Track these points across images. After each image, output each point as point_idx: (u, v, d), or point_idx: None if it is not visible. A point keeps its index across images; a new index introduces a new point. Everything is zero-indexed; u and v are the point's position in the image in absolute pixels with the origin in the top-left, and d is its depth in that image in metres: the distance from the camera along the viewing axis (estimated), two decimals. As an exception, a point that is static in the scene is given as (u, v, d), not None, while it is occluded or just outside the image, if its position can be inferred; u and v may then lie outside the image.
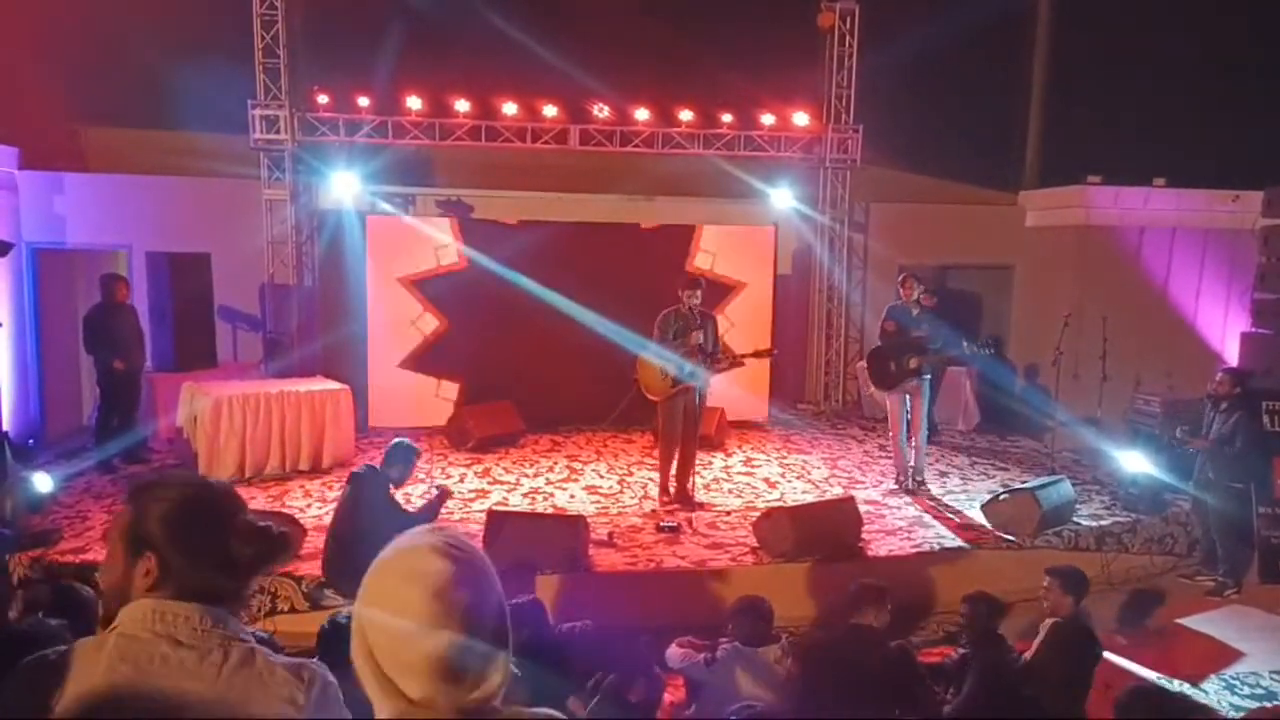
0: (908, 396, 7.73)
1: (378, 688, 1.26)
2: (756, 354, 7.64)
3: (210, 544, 1.51)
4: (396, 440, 5.51)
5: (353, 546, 5.15)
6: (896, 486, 7.96)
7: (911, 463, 7.94)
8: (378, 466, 5.38)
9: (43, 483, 6.58)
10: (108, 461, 8.02)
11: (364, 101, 9.95)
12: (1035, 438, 10.16)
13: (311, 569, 5.76)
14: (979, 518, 7.19)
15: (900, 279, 7.93)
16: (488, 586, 1.30)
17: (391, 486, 5.34)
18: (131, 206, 9.60)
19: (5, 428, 7.47)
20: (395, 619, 1.23)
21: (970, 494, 7.88)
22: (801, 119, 10.82)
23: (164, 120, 9.62)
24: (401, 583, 1.25)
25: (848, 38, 10.81)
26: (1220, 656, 5.85)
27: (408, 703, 1.24)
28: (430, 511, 5.45)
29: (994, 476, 8.54)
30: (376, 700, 1.27)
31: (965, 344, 7.73)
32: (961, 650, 4.79)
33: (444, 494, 5.54)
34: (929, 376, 7.77)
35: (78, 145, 10.07)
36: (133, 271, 9.64)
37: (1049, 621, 4.68)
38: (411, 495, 6.71)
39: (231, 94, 9.46)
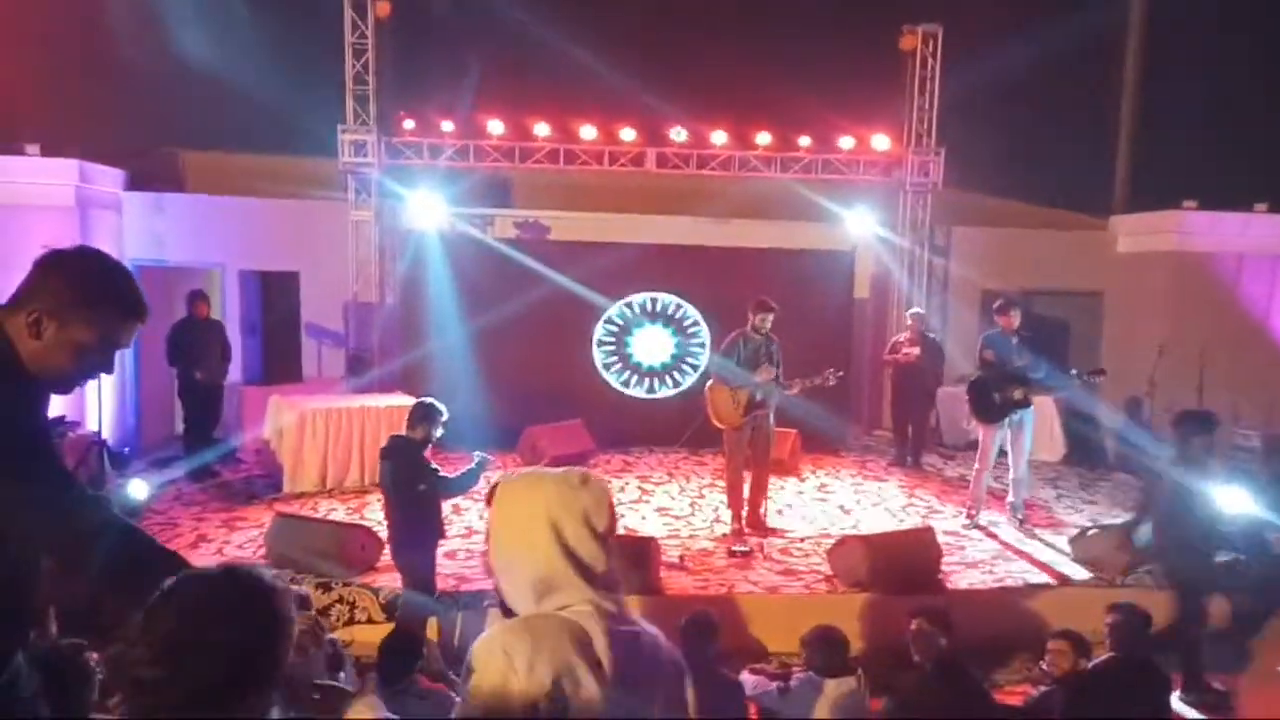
0: (1008, 430, 7.42)
1: (564, 562, 1.60)
2: (824, 381, 7.26)
3: None
4: (417, 401, 5.40)
5: (403, 516, 5.17)
6: (968, 521, 7.64)
7: (1011, 497, 7.64)
8: (403, 434, 5.31)
9: (138, 489, 6.85)
10: (206, 468, 8.36)
11: (447, 126, 10.22)
12: (1126, 471, 9.75)
13: (389, 580, 5.86)
14: (1064, 552, 6.93)
15: (997, 306, 7.57)
16: None
17: (424, 451, 5.24)
18: (226, 226, 10.02)
19: (104, 436, 7.83)
20: (597, 506, 1.66)
21: (1057, 529, 7.59)
22: (881, 142, 10.70)
23: (258, 144, 10.05)
24: (599, 490, 1.69)
25: (930, 60, 10.67)
26: (1330, 709, 5.48)
27: (588, 579, 1.60)
28: (471, 477, 5.26)
29: (1082, 510, 8.22)
30: (559, 581, 1.60)
31: (1075, 372, 7.38)
32: (1044, 689, 4.59)
33: (484, 462, 5.29)
34: (1031, 408, 7.41)
35: (177, 168, 10.58)
36: (225, 288, 10.05)
37: (1107, 655, 4.49)
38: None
39: (321, 119, 9.82)
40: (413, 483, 5.14)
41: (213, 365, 8.48)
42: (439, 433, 5.31)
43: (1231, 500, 7.34)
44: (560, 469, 1.71)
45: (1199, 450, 5.43)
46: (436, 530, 5.31)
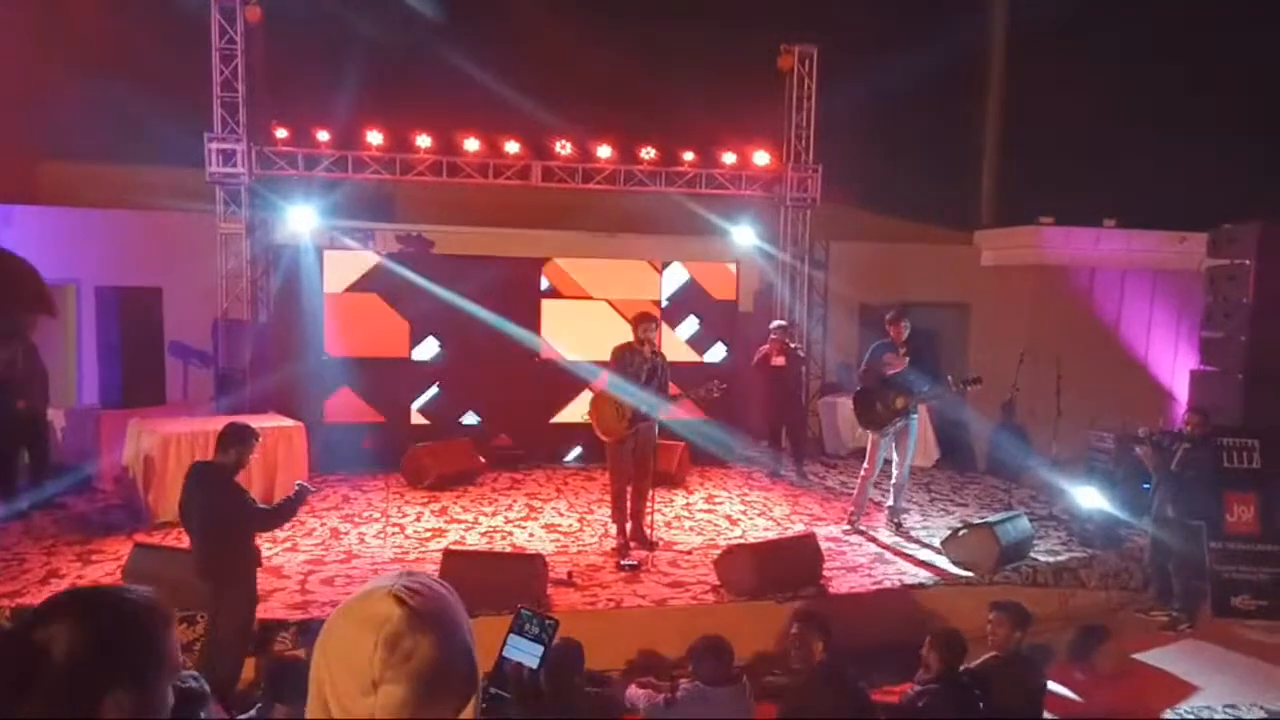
0: (893, 437, 7.66)
1: None
2: (708, 392, 7.29)
3: None
4: (229, 422, 5.13)
5: (218, 548, 4.86)
6: (849, 525, 7.86)
7: (891, 501, 7.90)
8: (212, 460, 5.02)
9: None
10: (48, 501, 7.76)
11: (323, 136, 9.88)
12: (993, 473, 10.24)
13: (260, 612, 5.57)
14: (939, 553, 7.20)
15: (890, 317, 7.74)
16: (447, 635, 1.21)
17: (236, 476, 4.95)
18: (82, 240, 9.40)
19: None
20: (348, 667, 1.17)
21: (930, 530, 7.89)
22: (762, 158, 10.96)
23: (118, 154, 9.48)
24: (356, 629, 1.18)
25: (806, 80, 11.00)
26: (1175, 691, 5.87)
27: None
28: (288, 509, 5.04)
29: (953, 512, 8.57)
30: None
31: (951, 380, 7.69)
32: (920, 688, 4.74)
33: (303, 492, 5.07)
34: (915, 415, 7.68)
35: (29, 178, 9.88)
36: (81, 306, 9.43)
37: (988, 655, 4.69)
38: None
39: (188, 127, 9.35)
40: (226, 511, 4.82)
41: (35, 393, 7.72)
42: (252, 457, 5.07)
43: (1088, 498, 7.83)
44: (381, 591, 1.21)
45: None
46: (255, 560, 5.03)
